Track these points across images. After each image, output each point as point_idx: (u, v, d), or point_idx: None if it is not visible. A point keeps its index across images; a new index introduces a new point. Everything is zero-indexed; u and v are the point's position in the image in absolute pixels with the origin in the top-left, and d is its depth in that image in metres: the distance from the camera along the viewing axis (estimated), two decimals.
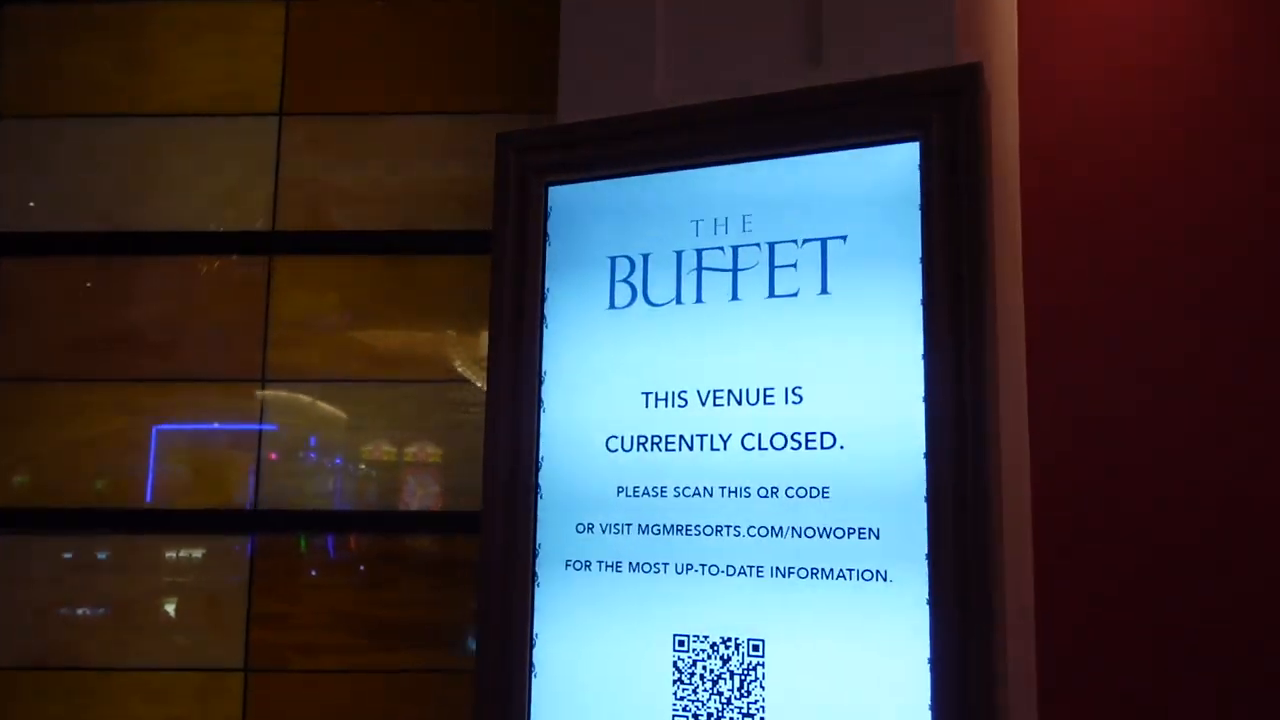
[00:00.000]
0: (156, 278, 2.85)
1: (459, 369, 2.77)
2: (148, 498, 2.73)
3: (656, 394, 2.17)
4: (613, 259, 2.27)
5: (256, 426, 2.75)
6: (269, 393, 2.76)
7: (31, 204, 2.88)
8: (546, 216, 2.34)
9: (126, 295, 2.84)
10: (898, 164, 2.04)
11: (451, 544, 2.66)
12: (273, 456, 2.74)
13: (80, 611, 2.69)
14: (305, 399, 2.77)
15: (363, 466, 2.73)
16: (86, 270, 2.86)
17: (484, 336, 2.76)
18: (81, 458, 2.77)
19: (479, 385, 2.74)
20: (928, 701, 1.84)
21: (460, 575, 2.63)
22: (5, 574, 2.74)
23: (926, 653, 1.85)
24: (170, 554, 2.73)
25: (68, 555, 2.75)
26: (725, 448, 2.08)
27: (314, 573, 2.68)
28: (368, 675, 2.63)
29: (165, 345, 2.81)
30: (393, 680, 2.63)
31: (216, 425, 2.76)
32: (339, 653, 2.64)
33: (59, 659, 2.67)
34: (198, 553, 2.72)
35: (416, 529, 2.68)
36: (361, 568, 2.68)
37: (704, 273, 2.18)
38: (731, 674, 2.00)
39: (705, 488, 2.09)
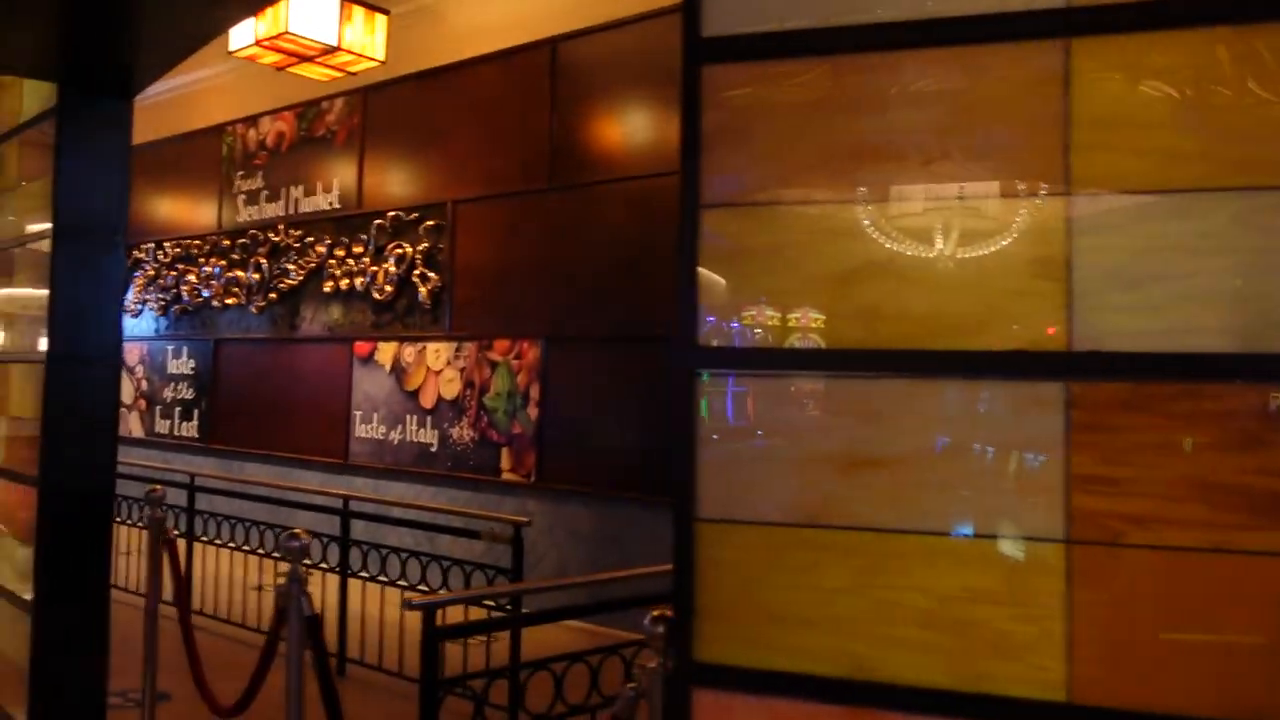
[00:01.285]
0: (916, 75, 2.38)
1: None
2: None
3: None
4: None
5: (1059, 252, 2.25)
6: (1075, 209, 2.24)
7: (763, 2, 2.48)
8: None
9: (879, 100, 2.40)
10: None
11: None
12: (1083, 288, 2.23)
13: (854, 464, 2.35)
14: (1120, 216, 2.22)
15: (1224, 297, 2.14)
16: (825, 74, 2.45)
17: None
18: (841, 291, 2.40)
19: None
20: None
21: None
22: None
23: None
24: (962, 403, 2.32)
25: (833, 401, 2.43)
26: None
27: (1156, 429, 2.16)
28: (1234, 557, 2.11)
29: (933, 155, 2.35)
30: (1265, 564, 2.09)
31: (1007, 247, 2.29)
32: (1196, 528, 2.13)
33: (835, 517, 2.37)
34: (996, 402, 2.30)
35: None
36: (1229, 424, 2.12)
37: None
38: None
39: None
